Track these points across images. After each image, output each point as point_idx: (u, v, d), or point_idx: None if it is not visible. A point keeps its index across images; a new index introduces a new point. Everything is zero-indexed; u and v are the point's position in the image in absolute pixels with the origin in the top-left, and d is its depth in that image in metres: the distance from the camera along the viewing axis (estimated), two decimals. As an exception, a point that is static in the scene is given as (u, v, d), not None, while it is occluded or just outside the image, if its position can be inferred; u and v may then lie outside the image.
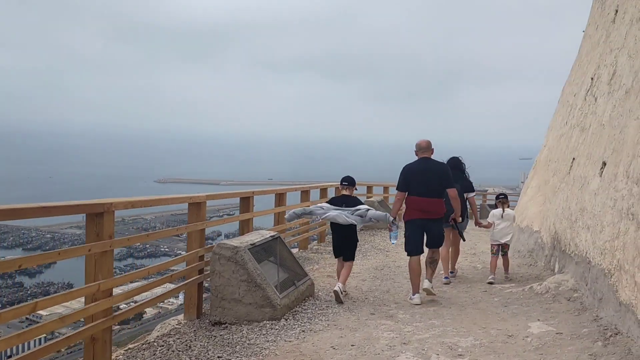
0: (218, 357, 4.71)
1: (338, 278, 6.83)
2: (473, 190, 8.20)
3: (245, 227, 7.71)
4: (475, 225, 8.36)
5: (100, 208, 4.29)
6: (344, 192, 7.15)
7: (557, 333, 4.79)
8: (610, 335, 4.39)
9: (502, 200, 8.29)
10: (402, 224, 6.86)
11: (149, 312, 33.82)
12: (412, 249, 6.57)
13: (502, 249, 8.02)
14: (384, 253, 10.79)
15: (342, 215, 6.64)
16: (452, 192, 6.67)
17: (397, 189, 6.76)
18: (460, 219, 7.31)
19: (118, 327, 30.40)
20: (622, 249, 4.81)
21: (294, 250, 11.00)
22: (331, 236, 7.37)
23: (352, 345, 4.87)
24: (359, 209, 6.75)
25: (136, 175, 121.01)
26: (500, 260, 8.02)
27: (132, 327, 31.06)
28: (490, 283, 7.54)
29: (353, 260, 7.02)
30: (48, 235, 59.61)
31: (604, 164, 6.22)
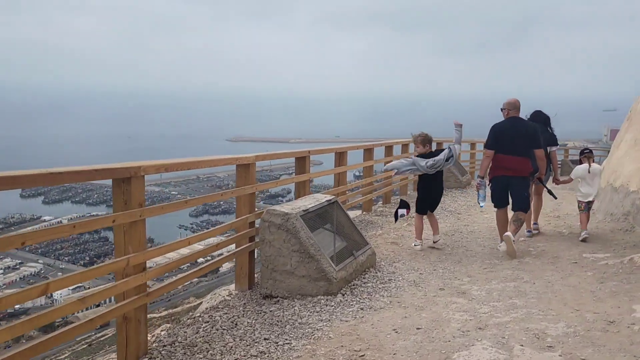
0: (265, 338, 4.19)
1: (419, 237, 7.04)
2: (556, 144, 7.94)
3: (302, 189, 7.11)
4: (553, 182, 8.10)
5: (126, 173, 3.78)
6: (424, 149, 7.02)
7: (673, 321, 3.89)
8: None
9: (588, 154, 7.81)
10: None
11: (225, 266, 33.55)
12: (498, 202, 6.80)
13: (589, 205, 7.65)
14: (454, 216, 9.92)
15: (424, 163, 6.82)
16: (539, 153, 6.76)
17: (485, 147, 6.83)
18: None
19: (197, 279, 31.42)
20: None
21: (356, 213, 10.36)
22: (417, 191, 7.38)
23: (418, 329, 4.20)
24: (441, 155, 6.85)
25: (209, 135, 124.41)
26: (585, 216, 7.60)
27: (209, 280, 32.05)
28: (584, 240, 7.19)
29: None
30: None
31: None
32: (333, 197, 6.02)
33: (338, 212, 5.93)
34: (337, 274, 5.12)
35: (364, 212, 10.14)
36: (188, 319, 5.00)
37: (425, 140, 6.99)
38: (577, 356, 3.49)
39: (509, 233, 6.48)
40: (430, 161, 6.80)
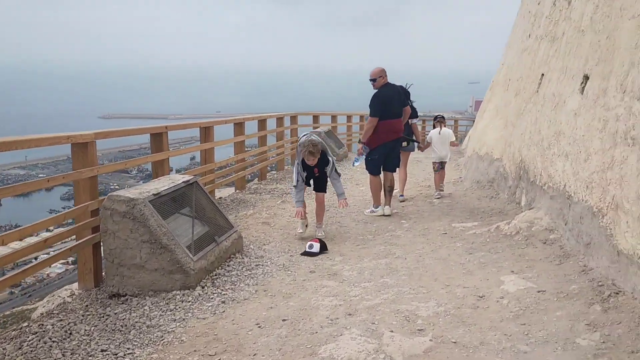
0: (102, 350, 3.52)
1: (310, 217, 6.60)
2: (417, 117, 8.41)
3: (160, 170, 6.37)
4: (418, 150, 8.66)
5: None
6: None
7: (538, 291, 3.82)
8: (610, 295, 3.43)
9: (440, 120, 8.76)
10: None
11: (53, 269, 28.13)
12: (374, 170, 7.12)
13: (442, 165, 8.58)
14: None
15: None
16: (407, 110, 7.30)
17: (371, 115, 6.92)
18: (406, 143, 7.94)
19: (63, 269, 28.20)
20: (619, 183, 3.79)
21: (229, 191, 9.77)
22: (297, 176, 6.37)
23: (284, 321, 3.77)
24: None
25: (82, 113, 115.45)
26: (439, 175, 8.58)
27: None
28: (438, 198, 8.20)
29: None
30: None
31: (586, 77, 5.12)
32: (192, 177, 5.38)
33: (198, 193, 5.31)
34: (196, 264, 4.53)
35: (237, 191, 9.56)
36: (13, 330, 4.16)
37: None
38: (447, 339, 3.27)
39: (389, 209, 7.15)
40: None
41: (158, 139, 6.33)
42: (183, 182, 5.15)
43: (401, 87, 7.34)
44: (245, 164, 9.70)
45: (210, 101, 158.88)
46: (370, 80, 7.12)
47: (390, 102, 6.92)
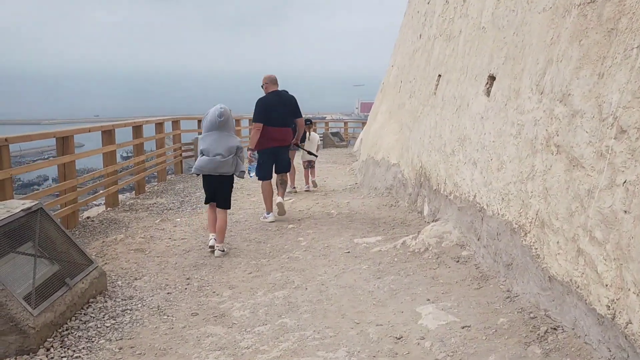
0: None
1: (211, 230, 5.71)
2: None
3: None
4: (294, 145, 7.84)
5: None
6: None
7: (463, 327, 3.26)
8: (547, 332, 2.94)
9: (308, 125, 9.50)
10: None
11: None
12: (265, 174, 7.03)
13: (310, 164, 9.57)
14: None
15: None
16: (300, 121, 7.31)
17: (255, 121, 6.88)
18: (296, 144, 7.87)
19: None
20: (544, 196, 3.35)
21: (98, 210, 8.49)
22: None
23: (154, 394, 2.87)
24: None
25: None
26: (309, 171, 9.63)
27: None
28: (307, 190, 9.40)
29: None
30: None
31: (492, 78, 4.74)
32: (35, 202, 4.24)
33: (44, 223, 4.19)
34: (37, 320, 3.46)
35: (108, 209, 8.31)
36: None
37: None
38: (367, 406, 2.57)
39: (280, 199, 7.13)
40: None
41: (65, 142, 5.09)
42: (22, 210, 4.02)
43: (293, 96, 7.15)
44: (117, 177, 8.46)
45: (88, 105, 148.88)
46: (261, 86, 7.18)
47: (271, 110, 6.82)
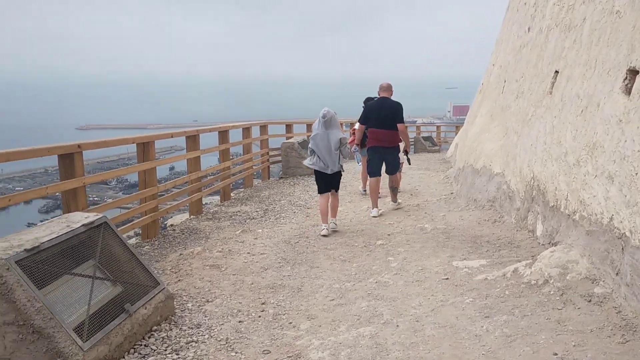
0: None
1: (323, 220, 6.67)
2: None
3: (72, 200, 4.88)
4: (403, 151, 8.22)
5: None
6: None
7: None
8: None
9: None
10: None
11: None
12: (372, 170, 7.73)
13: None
14: (303, 212, 8.25)
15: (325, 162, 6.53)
16: (401, 127, 7.60)
17: (358, 122, 8.05)
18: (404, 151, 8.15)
19: None
20: None
21: (182, 217, 8.28)
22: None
23: None
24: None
25: (57, 124, 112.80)
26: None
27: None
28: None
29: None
30: None
31: (633, 72, 3.79)
32: (98, 215, 3.89)
33: (108, 239, 3.83)
34: (88, 355, 3.05)
35: (192, 217, 8.06)
36: None
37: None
38: None
39: (393, 204, 8.04)
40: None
41: (68, 161, 4.84)
42: (83, 225, 3.66)
43: (396, 103, 7.58)
44: (201, 184, 8.20)
45: (188, 110, 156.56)
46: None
47: (372, 113, 7.59)
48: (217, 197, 10.46)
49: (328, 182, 6.67)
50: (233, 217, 7.93)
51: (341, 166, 6.64)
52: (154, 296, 3.81)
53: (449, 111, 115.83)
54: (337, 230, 6.68)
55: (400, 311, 3.90)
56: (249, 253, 5.77)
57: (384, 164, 7.70)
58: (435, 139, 24.70)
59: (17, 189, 59.11)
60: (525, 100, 6.85)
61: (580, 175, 4.36)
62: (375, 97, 8.51)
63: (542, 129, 5.68)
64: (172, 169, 55.01)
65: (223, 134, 9.44)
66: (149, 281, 3.90)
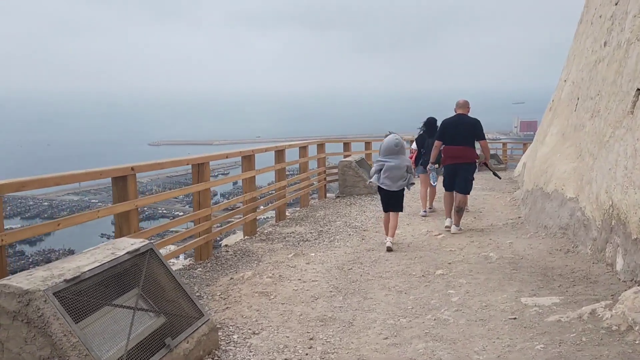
0: None
1: (386, 233, 7.09)
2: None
3: (124, 223, 4.83)
4: (482, 164, 8.35)
5: None
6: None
7: None
8: None
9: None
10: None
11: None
12: (447, 185, 7.83)
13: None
14: (359, 234, 7.97)
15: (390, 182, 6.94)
16: (483, 143, 7.84)
17: (435, 139, 7.96)
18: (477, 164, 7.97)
19: None
20: None
21: (236, 238, 8.18)
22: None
23: None
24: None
25: (129, 140, 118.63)
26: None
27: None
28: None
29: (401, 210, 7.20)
30: (45, 204, 59.43)
31: None
32: (144, 242, 3.77)
33: (153, 267, 3.70)
34: (124, 395, 2.89)
35: (246, 237, 7.95)
36: None
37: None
38: None
39: (454, 228, 7.68)
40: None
41: (122, 183, 4.81)
42: (128, 252, 3.55)
43: (474, 119, 7.71)
44: (255, 204, 8.09)
45: (251, 126, 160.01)
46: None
47: (449, 130, 7.64)
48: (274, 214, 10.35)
49: (389, 200, 7.02)
50: (286, 239, 7.75)
51: (411, 184, 7.09)
52: (197, 328, 3.63)
53: (515, 127, 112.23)
54: (392, 250, 6.72)
55: (461, 356, 3.53)
56: (299, 279, 5.54)
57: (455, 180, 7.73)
58: (501, 157, 23.76)
59: (92, 201, 62.19)
60: (601, 120, 6.30)
61: (671, 207, 3.85)
62: (431, 117, 9.53)
63: (623, 152, 5.15)
64: (235, 183, 56.08)
65: (279, 153, 9.33)
66: (193, 312, 3.73)
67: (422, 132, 9.51)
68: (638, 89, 5.16)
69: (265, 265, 6.20)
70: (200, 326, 3.67)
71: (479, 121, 7.66)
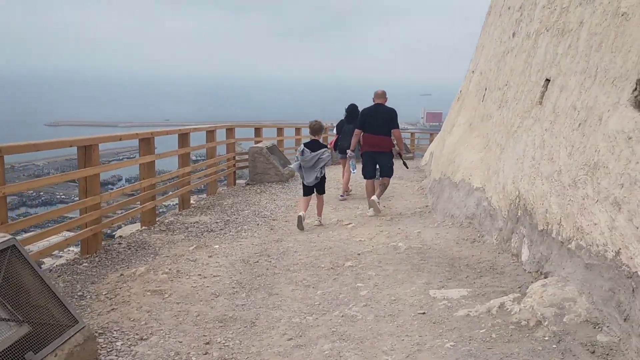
0: None
1: (301, 207, 7.39)
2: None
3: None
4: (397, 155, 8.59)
5: None
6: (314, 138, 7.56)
7: None
8: None
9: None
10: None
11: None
12: (366, 173, 8.07)
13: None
14: (267, 224, 7.60)
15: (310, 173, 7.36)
16: (396, 132, 8.14)
17: (355, 127, 8.18)
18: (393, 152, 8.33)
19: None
20: None
21: (132, 228, 7.54)
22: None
23: None
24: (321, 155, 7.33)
25: (24, 120, 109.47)
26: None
27: None
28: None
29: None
30: None
31: (646, 81, 3.27)
32: (6, 236, 3.16)
33: (16, 267, 3.11)
34: None
35: (143, 228, 7.32)
36: None
37: (311, 130, 7.59)
38: None
39: (374, 197, 7.79)
40: (299, 155, 7.40)
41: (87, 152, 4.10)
42: (-19, 250, 2.94)
43: (391, 109, 8.04)
44: (154, 192, 7.46)
45: (160, 109, 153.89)
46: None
47: (369, 119, 7.91)
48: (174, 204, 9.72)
49: (310, 189, 7.43)
50: (189, 229, 7.23)
51: (322, 174, 7.44)
52: (69, 338, 3.10)
53: (422, 117, 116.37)
54: (321, 225, 7.36)
55: (368, 357, 3.28)
56: (199, 275, 5.08)
57: (377, 167, 8.14)
58: (409, 146, 24.30)
59: (50, 172, 57.12)
60: (509, 110, 6.34)
61: (578, 198, 3.81)
62: (352, 104, 9.87)
63: (531, 142, 5.15)
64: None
65: (183, 137, 8.71)
66: (65, 318, 3.19)
67: (344, 117, 9.87)
68: (547, 80, 5.17)
69: (162, 259, 5.67)
70: (73, 335, 3.14)
71: (395, 111, 7.98)
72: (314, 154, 7.22)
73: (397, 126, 8.06)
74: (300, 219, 7.04)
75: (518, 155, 5.43)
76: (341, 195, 9.50)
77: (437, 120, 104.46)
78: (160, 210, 10.64)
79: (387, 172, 8.10)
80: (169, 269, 5.21)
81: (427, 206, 8.68)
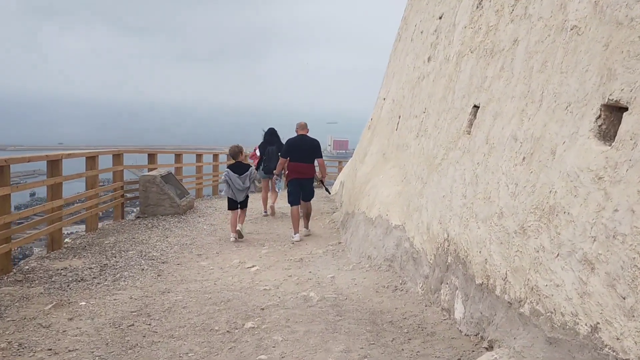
0: None
1: (233, 229, 8.25)
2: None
3: None
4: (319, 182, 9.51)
5: None
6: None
7: None
8: None
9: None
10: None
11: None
12: (293, 200, 8.53)
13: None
14: (155, 269, 6.40)
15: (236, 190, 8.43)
16: (320, 161, 8.91)
17: (281, 156, 8.78)
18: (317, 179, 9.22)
19: None
20: None
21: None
22: None
23: None
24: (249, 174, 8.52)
25: None
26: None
27: None
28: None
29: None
30: None
31: (616, 108, 2.66)
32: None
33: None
34: None
35: (-8, 278, 5.83)
36: None
37: (232, 154, 8.58)
38: None
39: (304, 230, 8.56)
40: (227, 179, 8.38)
41: None
42: None
43: (315, 140, 8.69)
44: (10, 232, 6.01)
45: (53, 132, 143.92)
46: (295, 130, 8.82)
47: (294, 149, 8.47)
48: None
49: (237, 203, 8.40)
50: (53, 279, 5.86)
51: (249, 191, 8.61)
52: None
53: (329, 145, 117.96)
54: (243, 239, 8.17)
55: None
56: (50, 350, 3.83)
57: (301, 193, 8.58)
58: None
59: None
60: (430, 139, 5.70)
61: (529, 250, 3.11)
62: (266, 128, 10.79)
63: (460, 177, 4.48)
64: (33, 194, 48.79)
65: (53, 164, 7.30)
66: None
67: (264, 139, 10.59)
68: (475, 106, 4.56)
69: (5, 325, 4.32)
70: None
71: (318, 142, 8.72)
72: (243, 176, 8.33)
73: (321, 156, 8.83)
74: (239, 233, 8.14)
75: (445, 192, 4.75)
76: (264, 212, 10.64)
77: (343, 148, 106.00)
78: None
79: (309, 196, 8.69)
80: (9, 341, 3.91)
81: (339, 243, 7.88)
